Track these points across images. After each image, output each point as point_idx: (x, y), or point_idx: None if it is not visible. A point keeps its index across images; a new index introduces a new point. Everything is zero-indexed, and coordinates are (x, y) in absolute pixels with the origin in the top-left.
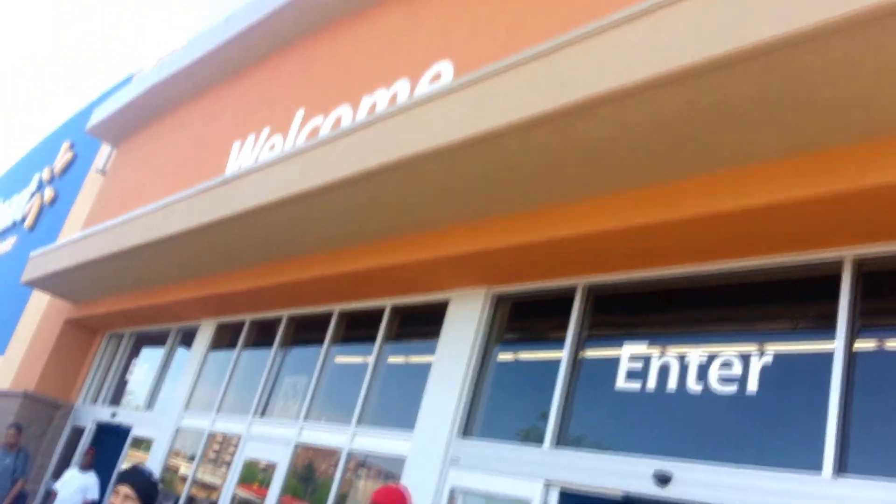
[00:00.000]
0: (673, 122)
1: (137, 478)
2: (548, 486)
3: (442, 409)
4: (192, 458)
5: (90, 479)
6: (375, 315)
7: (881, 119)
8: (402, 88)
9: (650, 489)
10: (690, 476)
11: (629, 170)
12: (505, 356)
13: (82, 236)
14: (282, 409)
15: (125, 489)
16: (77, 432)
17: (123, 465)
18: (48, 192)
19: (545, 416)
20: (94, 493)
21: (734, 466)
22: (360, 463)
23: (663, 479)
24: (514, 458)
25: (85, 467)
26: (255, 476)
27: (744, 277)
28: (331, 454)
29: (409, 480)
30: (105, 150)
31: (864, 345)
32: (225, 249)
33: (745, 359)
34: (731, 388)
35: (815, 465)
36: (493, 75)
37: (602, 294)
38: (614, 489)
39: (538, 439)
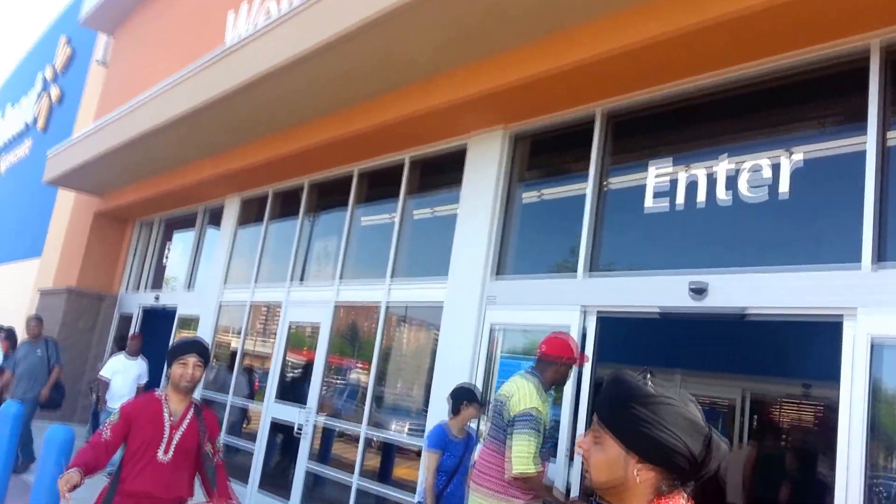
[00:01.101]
0: None
1: (200, 346)
2: (584, 311)
3: (473, 252)
4: (240, 332)
5: (143, 365)
6: (395, 170)
7: None
8: None
9: (686, 302)
10: (726, 284)
11: None
12: (530, 195)
13: (94, 129)
14: (317, 274)
15: (193, 358)
16: (125, 320)
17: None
18: (54, 91)
19: (576, 248)
20: (145, 378)
21: (771, 270)
22: (401, 318)
23: (699, 291)
24: (548, 290)
25: (133, 353)
26: (303, 341)
27: (765, 82)
28: (370, 310)
29: (449, 324)
30: (102, 39)
31: None
32: (236, 123)
33: (775, 165)
34: (762, 195)
35: (853, 258)
36: None
37: (621, 118)
38: (650, 307)
39: (571, 271)
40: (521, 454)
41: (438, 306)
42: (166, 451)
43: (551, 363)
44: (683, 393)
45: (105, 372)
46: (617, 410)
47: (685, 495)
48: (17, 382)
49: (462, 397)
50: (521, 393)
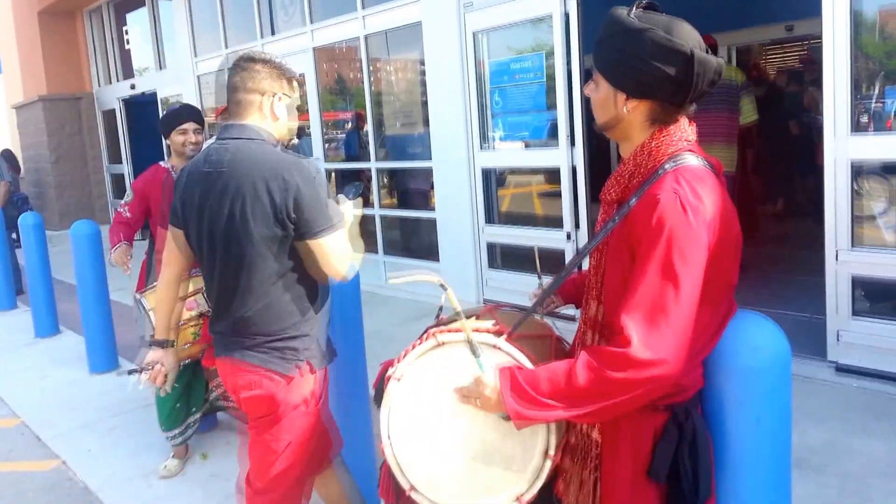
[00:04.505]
0: None
1: (192, 110)
2: None
3: None
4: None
5: None
6: None
7: None
8: None
9: None
10: None
11: None
12: None
13: None
14: (287, 22)
15: (190, 124)
16: (109, 115)
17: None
18: None
19: None
20: None
21: None
22: (385, 60)
23: None
24: None
25: None
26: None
27: None
28: (351, 53)
29: (431, 43)
30: None
31: None
32: None
33: None
34: None
35: None
36: None
37: None
38: None
39: None
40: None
41: (417, 25)
42: None
43: None
44: (671, 19)
45: None
46: (601, 49)
47: (686, 119)
48: None
49: None
50: None
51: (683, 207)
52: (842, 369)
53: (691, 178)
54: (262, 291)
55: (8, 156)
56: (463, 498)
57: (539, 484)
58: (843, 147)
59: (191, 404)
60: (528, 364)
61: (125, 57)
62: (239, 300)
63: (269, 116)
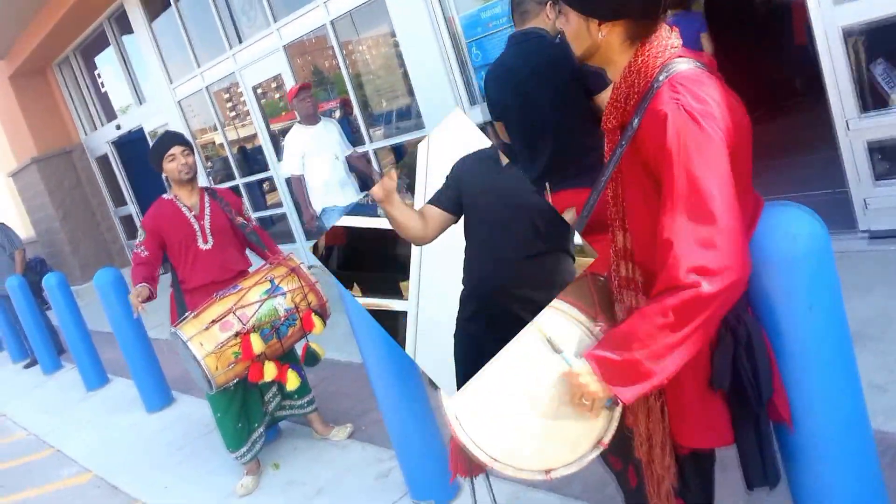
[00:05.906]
0: None
1: (175, 136)
2: None
3: None
4: (215, 126)
5: (333, 127)
6: None
7: None
8: None
9: None
10: None
11: None
12: None
13: None
14: (250, 27)
15: (177, 148)
16: (103, 161)
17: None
18: None
19: None
20: (346, 143)
21: None
22: (357, 42)
23: None
24: None
25: (309, 118)
26: (277, 108)
27: None
28: (320, 43)
29: (397, 11)
30: None
31: None
32: None
33: None
34: None
35: None
36: None
37: None
38: None
39: None
40: None
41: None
42: (205, 241)
43: None
44: None
45: (290, 165)
46: None
47: (666, 27)
48: None
49: None
50: None
51: (691, 115)
52: (875, 236)
53: (687, 83)
54: (582, 139)
55: (4, 229)
56: (545, 458)
57: (615, 424)
58: (829, 15)
59: (251, 421)
60: (570, 309)
61: (104, 100)
62: (570, 150)
63: (546, 19)
